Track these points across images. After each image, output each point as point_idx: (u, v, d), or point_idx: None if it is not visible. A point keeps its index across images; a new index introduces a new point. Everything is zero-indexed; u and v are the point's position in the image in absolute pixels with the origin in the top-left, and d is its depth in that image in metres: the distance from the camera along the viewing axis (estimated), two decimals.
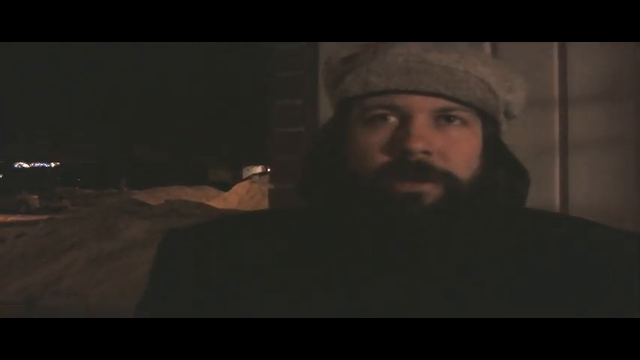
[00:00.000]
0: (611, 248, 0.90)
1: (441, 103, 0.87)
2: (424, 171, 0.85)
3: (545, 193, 1.67)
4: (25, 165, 47.73)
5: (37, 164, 47.97)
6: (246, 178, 26.30)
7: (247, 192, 20.96)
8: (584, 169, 1.70)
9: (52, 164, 48.32)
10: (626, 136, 1.68)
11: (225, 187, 26.28)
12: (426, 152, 0.85)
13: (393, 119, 0.87)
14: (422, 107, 0.87)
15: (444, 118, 0.88)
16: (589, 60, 1.70)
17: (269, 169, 2.07)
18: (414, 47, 0.88)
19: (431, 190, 0.85)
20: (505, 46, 1.73)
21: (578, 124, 1.71)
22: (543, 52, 1.73)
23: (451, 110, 0.88)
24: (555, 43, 1.72)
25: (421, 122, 0.86)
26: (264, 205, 2.12)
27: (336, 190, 0.90)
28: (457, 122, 0.88)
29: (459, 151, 0.87)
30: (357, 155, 0.89)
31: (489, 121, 0.91)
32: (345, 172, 0.90)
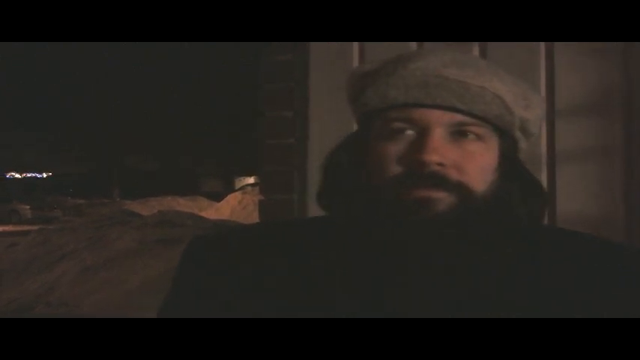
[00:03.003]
0: (612, 262, 0.93)
1: (458, 117, 0.89)
2: (438, 181, 0.87)
3: None
4: (17, 175, 47.54)
5: (28, 174, 47.79)
6: (239, 189, 26.23)
7: (239, 202, 20.91)
8: (572, 179, 1.72)
9: (44, 174, 48.14)
10: (613, 147, 1.70)
11: (218, 197, 26.18)
12: (441, 164, 0.87)
13: (410, 132, 0.90)
14: (439, 121, 0.89)
15: (460, 132, 0.90)
16: (576, 70, 1.72)
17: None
18: (433, 62, 0.91)
19: (444, 198, 0.87)
20: (491, 58, 1.75)
21: (566, 135, 1.73)
22: (530, 62, 1.75)
23: (467, 125, 0.90)
24: (543, 54, 1.74)
25: (437, 136, 0.88)
26: (256, 216, 2.13)
27: (355, 199, 0.92)
28: (473, 137, 0.90)
29: (474, 165, 0.89)
30: (375, 166, 0.91)
31: (505, 138, 0.93)
32: (364, 182, 0.92)
